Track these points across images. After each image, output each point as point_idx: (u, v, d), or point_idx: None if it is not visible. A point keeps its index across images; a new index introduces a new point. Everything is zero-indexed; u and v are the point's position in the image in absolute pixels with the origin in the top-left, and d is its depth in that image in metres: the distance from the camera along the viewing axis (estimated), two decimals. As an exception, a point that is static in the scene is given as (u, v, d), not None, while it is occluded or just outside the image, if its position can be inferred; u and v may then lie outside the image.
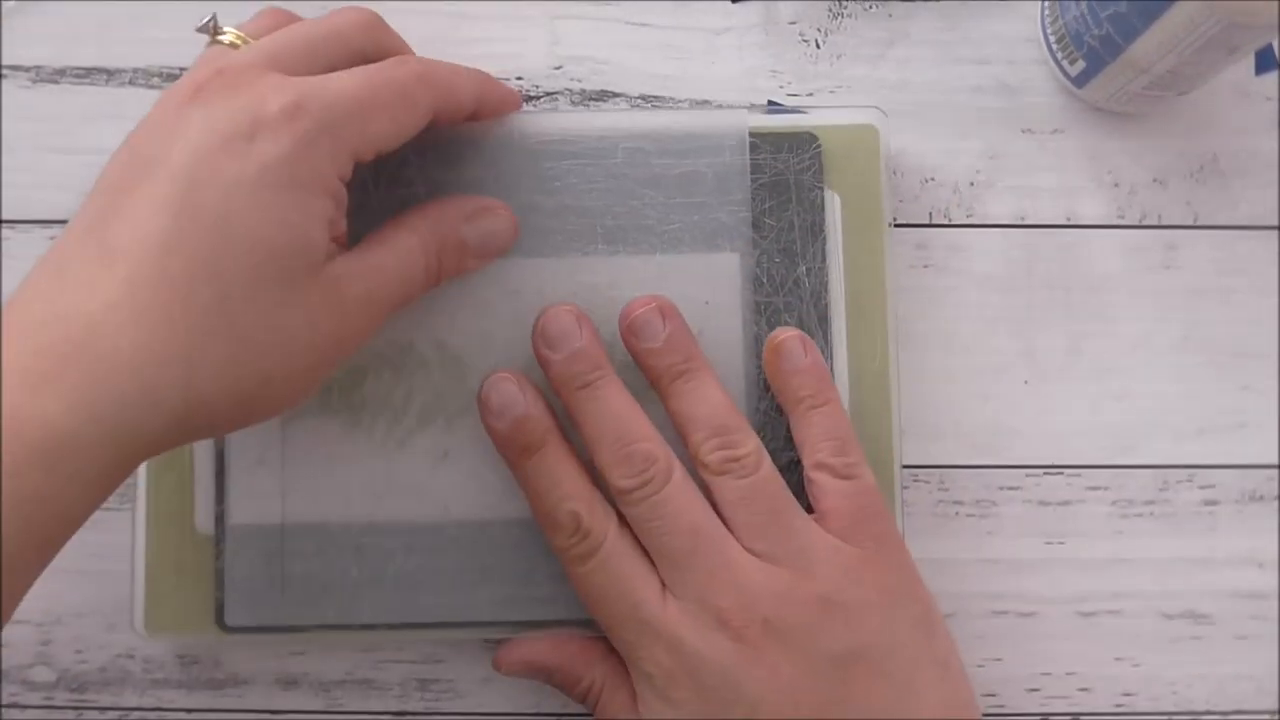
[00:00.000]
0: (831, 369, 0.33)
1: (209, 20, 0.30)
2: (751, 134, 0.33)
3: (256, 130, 0.26)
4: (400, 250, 0.29)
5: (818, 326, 0.33)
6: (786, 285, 0.33)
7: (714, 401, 0.31)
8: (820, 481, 0.31)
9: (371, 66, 0.28)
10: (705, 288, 0.33)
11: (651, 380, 0.32)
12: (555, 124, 0.33)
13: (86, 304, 0.24)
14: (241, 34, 0.29)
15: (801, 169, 0.33)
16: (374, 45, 0.30)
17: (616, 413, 0.30)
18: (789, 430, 0.32)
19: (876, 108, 0.34)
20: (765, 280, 0.33)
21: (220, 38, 0.29)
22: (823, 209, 0.33)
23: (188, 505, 0.33)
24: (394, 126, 0.28)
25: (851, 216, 0.34)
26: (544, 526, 0.31)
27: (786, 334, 0.32)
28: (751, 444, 0.31)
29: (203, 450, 0.33)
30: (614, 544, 0.30)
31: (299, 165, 0.26)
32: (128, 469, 0.25)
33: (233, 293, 0.25)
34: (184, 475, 0.33)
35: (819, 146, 0.33)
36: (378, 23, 0.31)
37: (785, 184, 0.33)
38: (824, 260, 0.33)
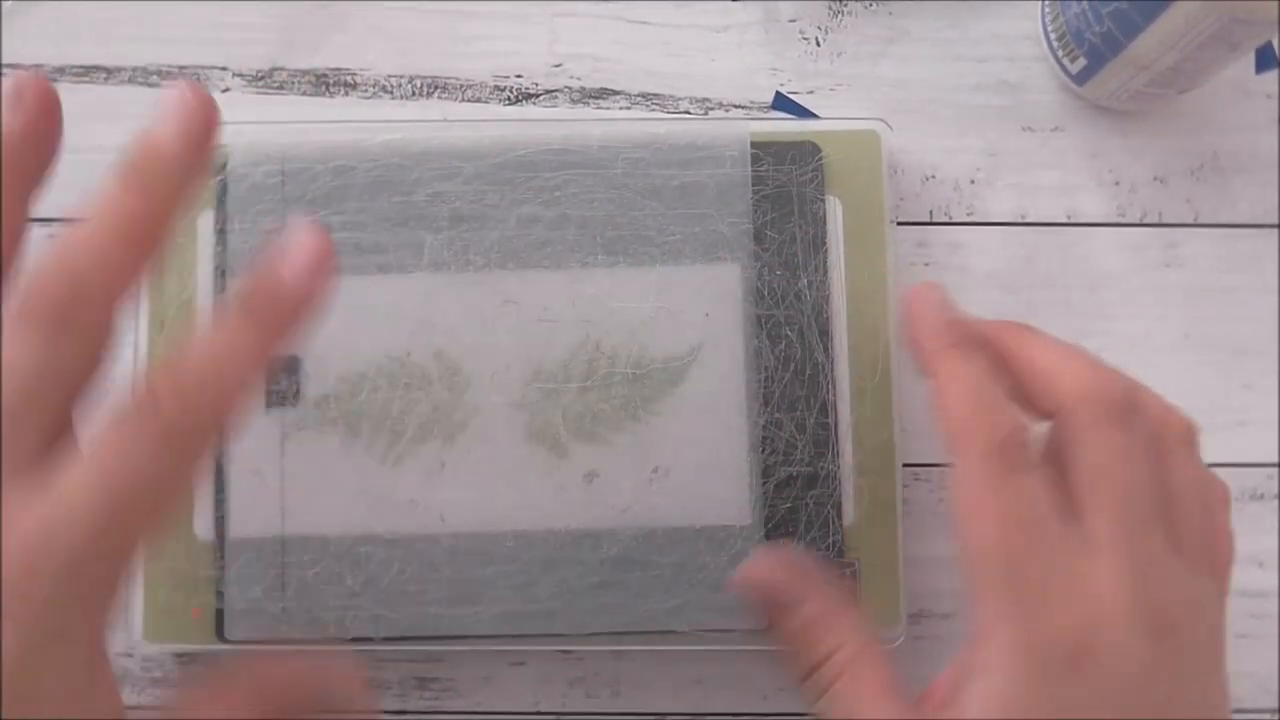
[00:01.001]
0: (832, 382, 0.33)
1: None
2: (753, 144, 0.33)
3: None
4: None
5: (819, 340, 0.33)
6: (788, 298, 0.33)
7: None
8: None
9: (107, 450, 0.20)
10: (705, 300, 0.33)
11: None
12: (555, 133, 0.33)
13: None
14: None
15: (804, 180, 0.33)
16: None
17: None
18: (791, 443, 0.32)
19: (882, 120, 0.34)
20: (766, 292, 0.33)
21: None
22: (825, 221, 0.33)
23: (186, 512, 0.33)
24: (168, 510, 0.21)
25: (853, 225, 0.34)
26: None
27: (921, 289, 0.29)
28: None
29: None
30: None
31: (37, 661, 0.19)
32: None
33: None
34: None
35: (821, 157, 0.33)
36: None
37: (787, 195, 0.33)
38: (825, 273, 0.33)
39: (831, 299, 0.33)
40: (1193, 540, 0.26)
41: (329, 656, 0.26)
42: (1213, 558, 0.26)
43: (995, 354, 0.28)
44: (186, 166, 0.23)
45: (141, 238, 0.22)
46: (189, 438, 0.21)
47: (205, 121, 0.23)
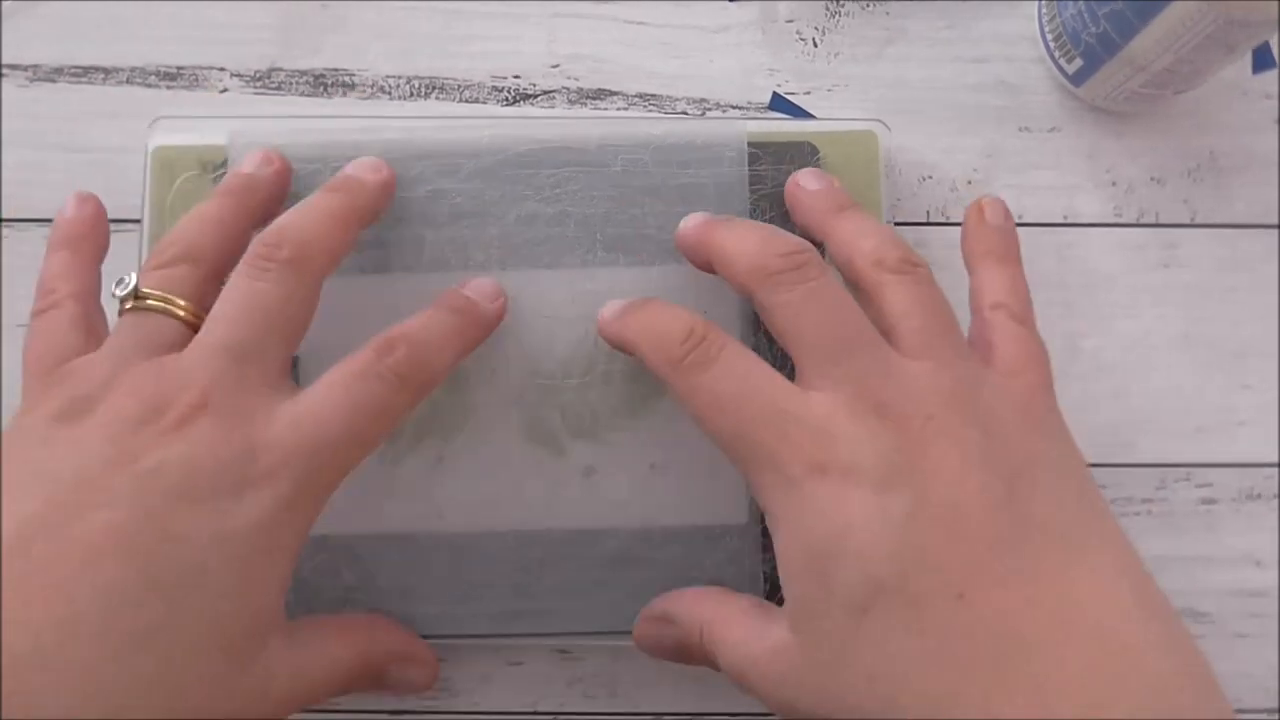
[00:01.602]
0: None
1: (133, 286, 0.27)
2: (751, 144, 0.33)
3: (242, 487, 0.24)
4: (331, 662, 0.28)
5: None
6: None
7: (887, 230, 0.29)
8: (995, 321, 0.29)
9: (353, 377, 0.26)
10: (704, 298, 0.33)
11: (815, 221, 0.31)
12: (554, 132, 0.33)
13: (20, 651, 0.22)
14: (189, 304, 0.27)
15: None
16: (347, 248, 0.29)
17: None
18: None
19: (880, 120, 0.34)
20: None
21: (172, 309, 0.27)
22: None
23: None
24: (371, 450, 0.27)
25: None
26: (655, 349, 0.28)
27: (992, 199, 0.31)
28: (925, 262, 0.29)
29: None
30: (736, 346, 0.27)
31: (280, 529, 0.25)
32: None
33: (175, 661, 0.23)
34: None
35: (819, 158, 0.33)
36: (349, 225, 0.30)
37: (783, 194, 0.33)
38: None
39: None
40: (914, 345, 0.27)
41: (421, 643, 0.32)
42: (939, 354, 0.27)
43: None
44: (374, 192, 0.31)
45: (347, 223, 0.29)
46: (411, 383, 0.27)
47: (387, 182, 0.32)
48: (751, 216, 0.33)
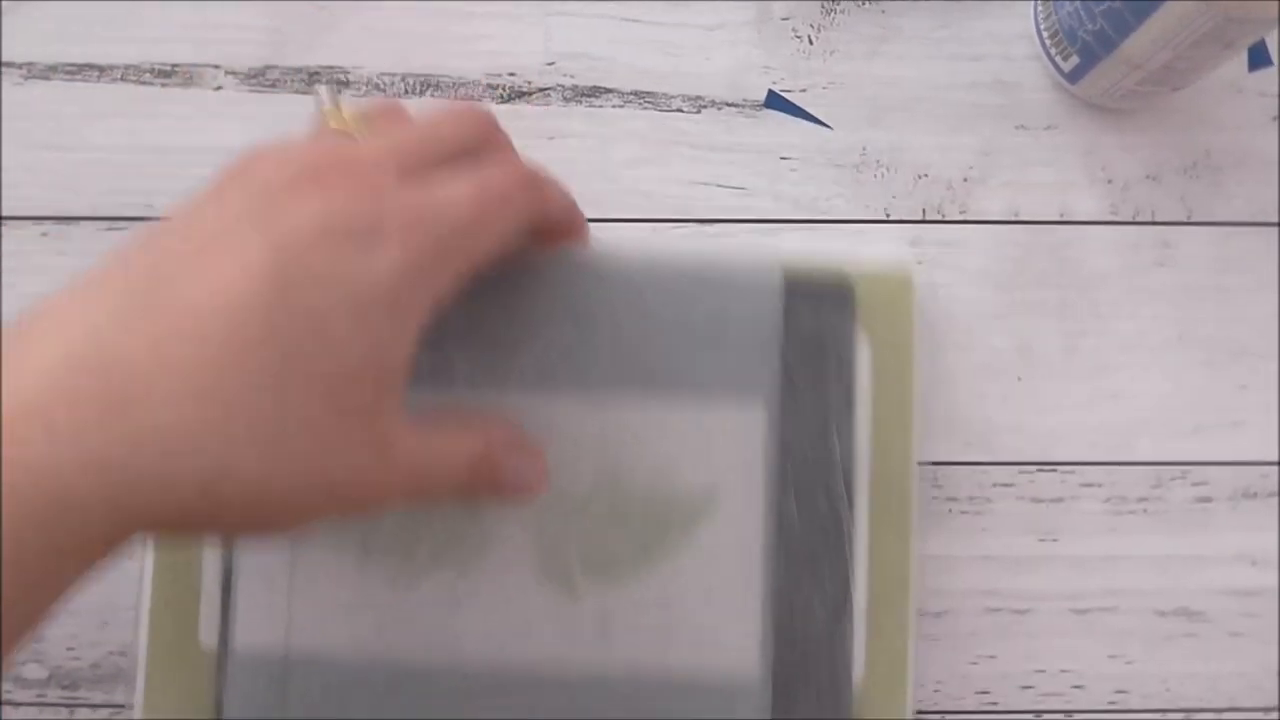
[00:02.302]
0: (852, 541, 0.32)
1: (331, 91, 0.29)
2: (786, 278, 0.32)
3: (375, 240, 0.24)
4: (459, 447, 0.28)
5: (842, 495, 0.32)
6: (814, 449, 0.32)
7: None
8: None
9: (482, 175, 0.27)
10: (730, 443, 0.32)
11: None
12: (587, 258, 0.32)
13: (139, 360, 0.22)
14: (359, 121, 0.28)
15: (837, 324, 0.32)
16: (485, 146, 0.29)
17: None
18: (806, 602, 0.32)
19: (912, 259, 0.34)
20: (793, 442, 0.32)
21: (340, 111, 0.28)
22: (854, 368, 0.32)
23: (193, 616, 0.32)
24: (499, 243, 0.27)
25: (882, 370, 0.33)
26: None
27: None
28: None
29: (210, 562, 0.32)
30: None
31: (407, 288, 0.24)
32: (123, 539, 0.23)
33: (295, 408, 0.23)
34: (191, 585, 0.32)
35: (854, 304, 0.32)
36: (493, 126, 0.29)
37: (819, 338, 0.32)
38: (853, 427, 0.32)
39: (856, 452, 0.32)
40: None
41: (529, 436, 0.31)
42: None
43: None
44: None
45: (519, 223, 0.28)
46: (531, 204, 0.28)
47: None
48: (782, 356, 0.32)
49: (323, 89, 0.28)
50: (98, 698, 0.35)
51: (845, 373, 0.32)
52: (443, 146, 0.27)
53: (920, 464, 0.35)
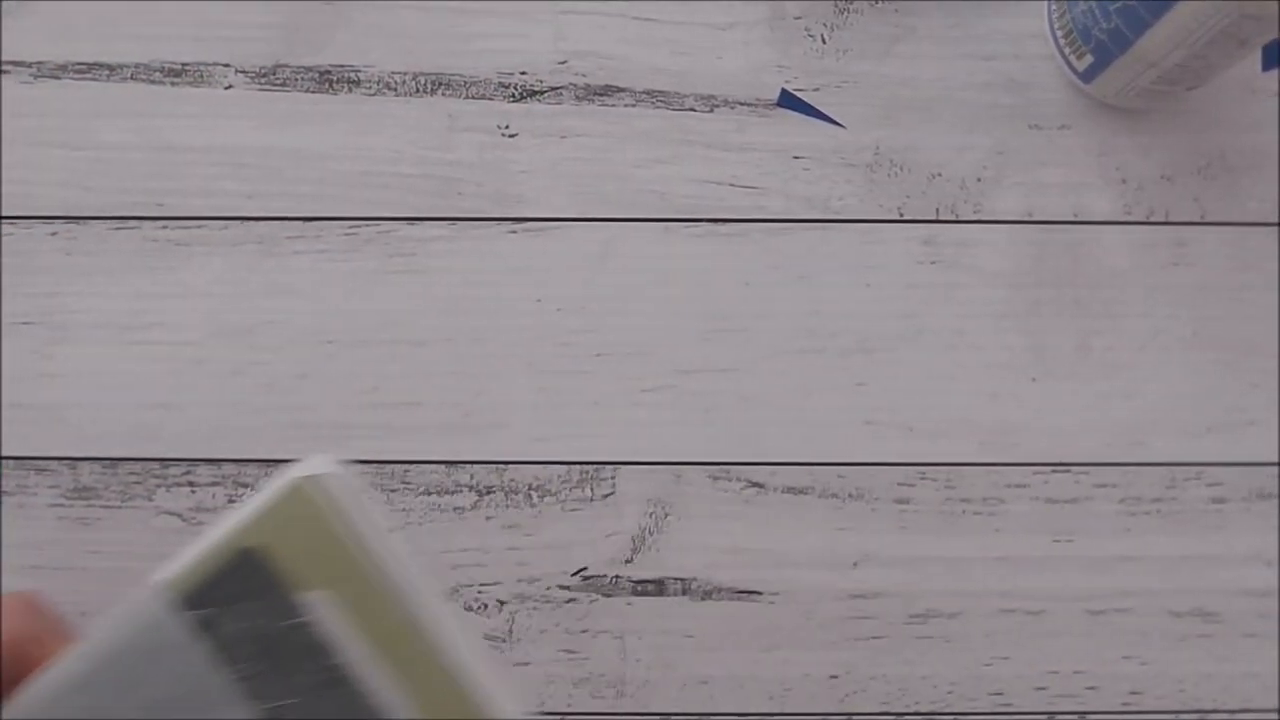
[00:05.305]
0: None
1: None
2: (181, 595, 0.20)
3: None
4: None
5: None
6: None
7: None
8: None
9: None
10: None
11: None
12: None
13: None
14: None
15: (272, 608, 0.20)
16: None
17: None
18: None
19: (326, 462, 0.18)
20: None
21: None
22: (326, 642, 0.20)
23: None
24: None
25: (355, 604, 0.20)
26: None
27: None
28: None
29: None
30: None
31: None
32: None
33: None
34: None
35: (273, 567, 0.19)
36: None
37: (262, 639, 0.20)
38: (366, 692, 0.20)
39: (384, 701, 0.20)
40: None
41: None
42: None
43: None
44: None
45: None
46: None
47: None
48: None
49: None
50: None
51: (317, 656, 0.20)
52: None
53: (933, 465, 0.35)
